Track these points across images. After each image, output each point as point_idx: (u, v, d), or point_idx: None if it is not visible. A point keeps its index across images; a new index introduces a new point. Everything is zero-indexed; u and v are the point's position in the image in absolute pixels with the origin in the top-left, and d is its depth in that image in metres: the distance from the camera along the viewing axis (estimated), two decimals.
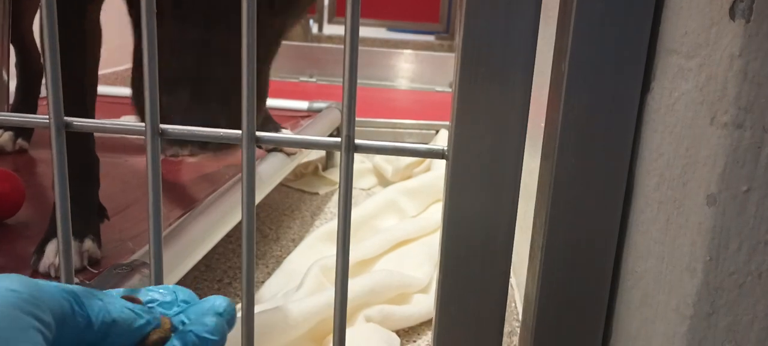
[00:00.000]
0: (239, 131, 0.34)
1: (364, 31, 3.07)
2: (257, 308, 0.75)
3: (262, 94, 0.58)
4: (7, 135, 1.28)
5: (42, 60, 0.38)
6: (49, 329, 0.25)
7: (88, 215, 0.87)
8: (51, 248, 0.81)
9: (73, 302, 0.27)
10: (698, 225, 0.29)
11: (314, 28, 3.12)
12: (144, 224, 0.98)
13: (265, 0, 0.52)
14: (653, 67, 0.33)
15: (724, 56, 0.27)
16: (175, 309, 0.32)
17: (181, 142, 0.46)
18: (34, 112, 1.21)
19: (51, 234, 0.84)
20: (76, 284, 0.56)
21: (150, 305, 0.31)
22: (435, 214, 1.25)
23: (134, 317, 0.29)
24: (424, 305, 0.92)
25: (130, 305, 0.30)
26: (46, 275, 0.79)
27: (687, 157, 0.30)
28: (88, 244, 0.83)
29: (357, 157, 1.43)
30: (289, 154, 1.04)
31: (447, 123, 0.35)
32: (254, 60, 0.33)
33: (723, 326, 0.30)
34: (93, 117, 0.70)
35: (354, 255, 0.90)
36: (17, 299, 0.24)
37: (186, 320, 0.31)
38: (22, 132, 1.30)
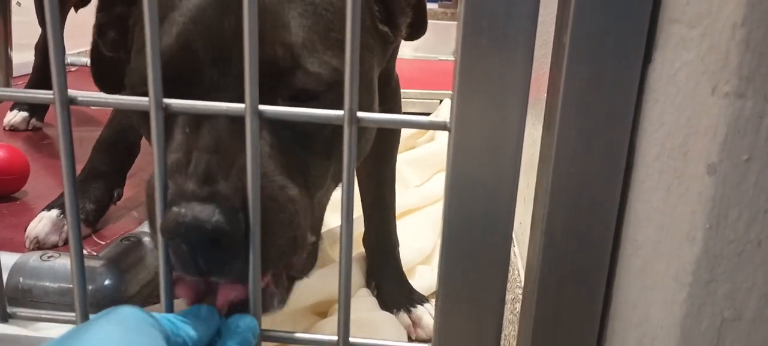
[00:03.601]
0: (242, 105, 0.34)
1: None
2: None
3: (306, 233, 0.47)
4: (20, 116, 1.29)
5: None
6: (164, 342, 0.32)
7: (88, 192, 0.86)
8: (33, 223, 0.82)
9: (172, 328, 0.34)
10: (698, 194, 0.29)
11: None
12: None
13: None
14: (655, 37, 0.33)
15: (727, 25, 0.27)
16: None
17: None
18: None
19: (48, 207, 0.84)
20: (86, 254, 0.56)
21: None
22: (439, 184, 1.25)
23: (207, 324, 0.37)
24: (427, 278, 0.93)
25: (200, 315, 0.38)
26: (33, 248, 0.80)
27: (688, 127, 0.30)
28: None
29: None
30: None
31: (451, 92, 0.35)
32: (256, 31, 0.33)
33: (722, 294, 0.30)
34: None
35: (358, 226, 0.91)
36: (146, 317, 0.32)
37: (216, 338, 0.37)
38: (35, 112, 1.31)
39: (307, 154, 0.48)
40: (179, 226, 0.37)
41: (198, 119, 0.44)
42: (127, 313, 0.31)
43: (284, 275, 0.48)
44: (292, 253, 0.45)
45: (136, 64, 0.50)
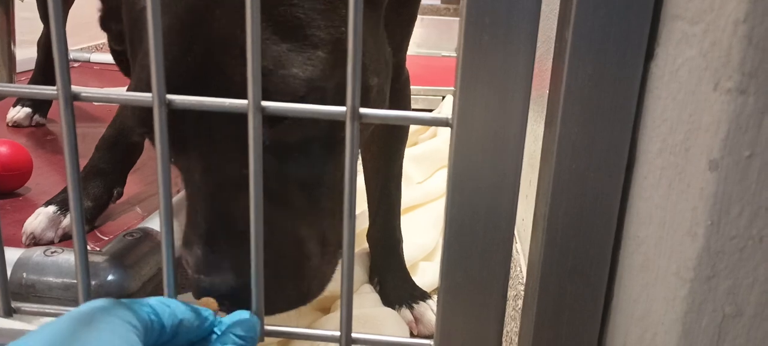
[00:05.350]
0: (245, 101, 0.34)
1: None
2: None
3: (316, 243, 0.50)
4: (23, 112, 1.29)
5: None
6: (139, 333, 0.32)
7: (87, 190, 0.86)
8: (30, 219, 0.82)
9: (151, 312, 0.33)
10: (700, 190, 0.29)
11: None
12: (152, 187, 0.99)
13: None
14: (657, 33, 0.33)
15: (729, 21, 0.27)
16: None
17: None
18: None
19: (46, 204, 0.84)
20: (89, 250, 0.56)
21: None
22: (441, 180, 1.25)
23: (195, 315, 0.36)
24: (429, 274, 0.93)
25: (191, 305, 0.37)
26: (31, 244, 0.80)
27: (690, 123, 0.30)
28: (67, 221, 0.83)
29: None
30: None
31: (453, 89, 0.35)
32: (258, 23, 0.33)
33: (723, 290, 0.30)
34: None
35: (361, 222, 0.91)
36: (121, 310, 0.32)
37: (218, 332, 0.37)
38: (39, 108, 1.31)
39: (303, 169, 0.48)
40: (207, 292, 0.44)
41: (205, 174, 0.46)
42: (95, 308, 0.31)
43: None
44: (302, 302, 0.48)
45: (136, 76, 0.50)
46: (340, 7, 0.47)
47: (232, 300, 0.44)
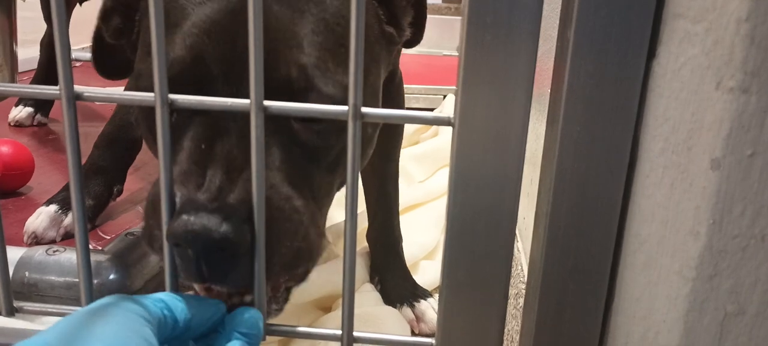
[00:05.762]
0: (247, 100, 0.34)
1: None
2: None
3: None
4: (25, 111, 1.29)
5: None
6: (153, 328, 0.32)
7: (87, 188, 0.86)
8: (31, 219, 0.82)
9: (164, 308, 0.34)
10: (702, 189, 0.29)
11: None
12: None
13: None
14: (659, 32, 0.33)
15: (731, 20, 0.27)
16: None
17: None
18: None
19: (47, 203, 0.84)
20: (92, 249, 0.56)
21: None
22: (442, 179, 1.25)
23: (205, 309, 0.37)
24: (431, 273, 0.94)
25: (201, 299, 0.38)
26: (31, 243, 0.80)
27: (692, 122, 0.30)
28: (69, 220, 0.83)
29: None
30: None
31: (454, 88, 0.35)
32: (260, 28, 0.33)
33: (725, 289, 0.30)
34: None
35: (361, 221, 0.91)
36: (134, 305, 0.33)
37: (222, 329, 0.38)
38: (41, 107, 1.31)
39: (315, 169, 0.47)
40: (188, 233, 0.37)
41: (208, 134, 0.43)
42: (108, 303, 0.32)
43: (282, 286, 0.47)
44: (298, 264, 0.44)
45: (145, 66, 0.50)
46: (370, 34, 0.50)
47: (214, 244, 0.38)
